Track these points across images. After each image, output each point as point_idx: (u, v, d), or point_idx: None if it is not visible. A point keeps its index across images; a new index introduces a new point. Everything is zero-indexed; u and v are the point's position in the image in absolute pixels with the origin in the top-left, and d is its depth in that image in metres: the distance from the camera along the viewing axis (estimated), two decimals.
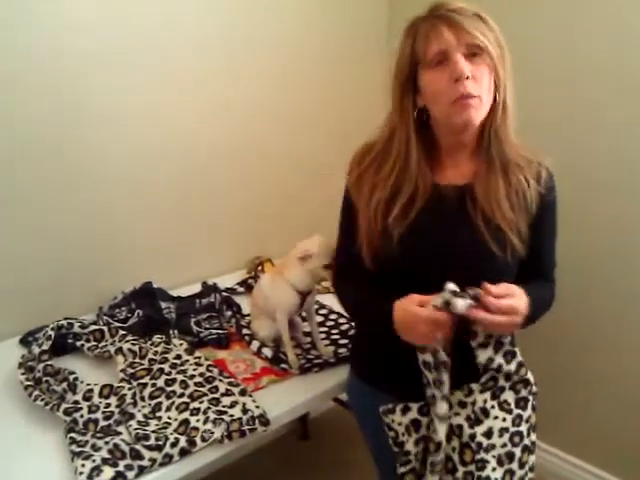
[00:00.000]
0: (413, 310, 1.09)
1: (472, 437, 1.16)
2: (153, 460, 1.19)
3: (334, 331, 1.77)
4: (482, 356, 1.15)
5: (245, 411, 1.34)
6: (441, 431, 1.14)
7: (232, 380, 1.46)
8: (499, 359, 1.14)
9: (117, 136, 1.79)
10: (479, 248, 1.17)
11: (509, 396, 1.19)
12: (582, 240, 1.96)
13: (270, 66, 2.10)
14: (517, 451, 1.18)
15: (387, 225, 1.19)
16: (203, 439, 1.25)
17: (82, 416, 1.29)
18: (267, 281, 1.63)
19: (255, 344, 1.63)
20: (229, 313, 1.82)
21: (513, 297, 1.08)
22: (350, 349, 1.52)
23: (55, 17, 1.60)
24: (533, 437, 1.22)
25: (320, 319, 1.82)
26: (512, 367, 1.15)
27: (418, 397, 1.20)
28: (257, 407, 1.36)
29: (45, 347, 1.49)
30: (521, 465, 1.18)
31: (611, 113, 1.85)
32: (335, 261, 1.41)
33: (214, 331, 1.69)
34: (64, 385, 1.39)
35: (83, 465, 1.14)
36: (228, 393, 1.40)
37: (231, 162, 2.10)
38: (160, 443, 1.21)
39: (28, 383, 1.39)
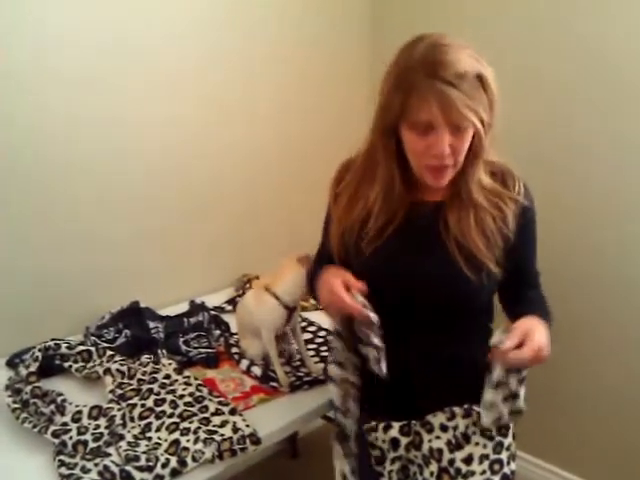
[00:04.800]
0: (332, 281, 1.14)
1: (451, 462, 1.16)
2: None
3: (323, 348, 1.77)
4: (488, 397, 1.11)
5: (236, 430, 1.34)
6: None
7: (222, 399, 1.45)
8: (501, 407, 1.12)
9: (98, 155, 1.79)
10: (452, 272, 1.16)
11: None
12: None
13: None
14: (496, 479, 1.18)
15: (359, 244, 1.22)
16: (194, 459, 1.24)
17: (71, 438, 1.28)
18: (251, 297, 1.63)
19: (244, 362, 1.63)
20: (217, 332, 1.82)
21: (531, 336, 1.06)
22: None
23: None
24: (513, 466, 1.22)
25: (309, 336, 1.83)
26: (506, 409, 1.13)
27: (400, 417, 1.22)
28: (247, 426, 1.36)
29: (32, 369, 1.47)
30: None
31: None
32: (312, 266, 1.43)
33: (203, 350, 1.68)
34: (52, 407, 1.37)
35: None
36: (218, 412, 1.40)
37: (217, 180, 2.10)
38: (151, 464, 1.21)
39: (15, 406, 1.37)
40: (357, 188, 1.24)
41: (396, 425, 1.23)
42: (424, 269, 1.19)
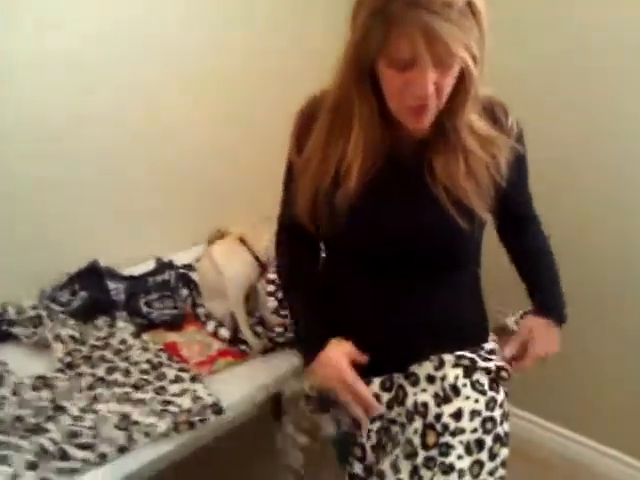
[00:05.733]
0: (343, 366, 1.04)
1: (438, 417, 1.02)
2: (86, 460, 1.04)
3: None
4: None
5: (196, 400, 1.19)
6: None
7: (183, 365, 1.31)
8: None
9: (54, 102, 1.60)
10: (442, 221, 1.02)
11: (481, 376, 1.06)
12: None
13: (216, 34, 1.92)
14: (488, 439, 1.04)
15: (335, 199, 1.04)
16: (145, 434, 1.10)
17: (8, 413, 1.13)
18: (220, 251, 1.46)
19: (211, 324, 1.48)
20: (185, 292, 1.66)
21: (534, 340, 1.12)
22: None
23: None
24: (506, 427, 1.08)
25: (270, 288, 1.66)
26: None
27: (381, 370, 1.08)
28: (209, 395, 1.21)
29: None
30: (492, 456, 1.04)
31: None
32: (278, 221, 1.25)
33: (167, 311, 1.53)
34: None
35: None
36: (177, 380, 1.26)
37: (186, 130, 1.92)
38: (95, 441, 1.06)
39: None
40: (328, 136, 1.05)
41: (376, 381, 1.09)
42: (410, 218, 1.04)
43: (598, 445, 1.99)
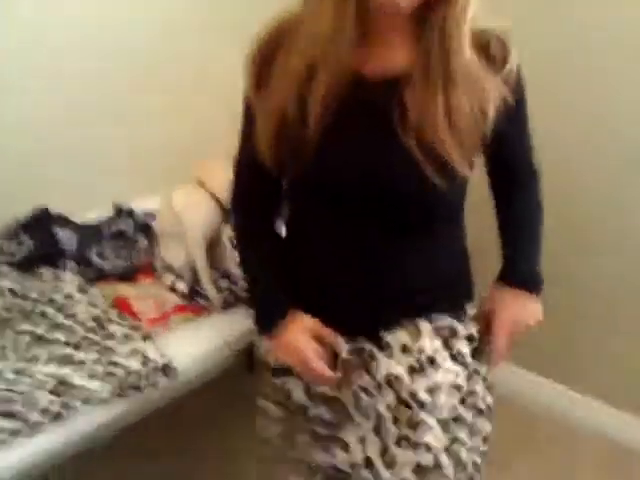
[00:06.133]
0: (301, 345, 0.91)
1: (412, 393, 0.90)
2: (15, 432, 0.93)
3: None
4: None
5: (145, 362, 1.08)
6: None
7: (134, 323, 1.19)
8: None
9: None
10: (414, 174, 0.83)
11: (463, 346, 0.94)
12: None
13: None
14: (469, 416, 0.93)
15: (297, 127, 0.86)
16: (85, 400, 0.99)
17: None
18: (180, 196, 1.33)
19: (168, 277, 1.35)
20: (145, 242, 1.52)
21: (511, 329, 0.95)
22: None
23: None
24: (489, 399, 0.97)
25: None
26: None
27: (349, 330, 0.94)
28: (162, 356, 1.10)
29: None
30: (472, 433, 0.93)
31: None
32: (234, 173, 1.08)
33: (120, 262, 1.40)
34: None
35: None
36: (127, 339, 1.14)
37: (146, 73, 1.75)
38: (22, 409, 0.95)
39: None
40: (288, 50, 0.86)
41: (346, 347, 0.97)
42: (375, 162, 0.86)
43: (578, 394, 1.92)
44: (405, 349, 0.92)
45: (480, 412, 0.95)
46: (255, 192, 1.01)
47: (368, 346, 0.95)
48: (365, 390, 0.94)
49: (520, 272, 0.99)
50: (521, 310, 0.96)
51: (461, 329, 0.92)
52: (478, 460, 0.96)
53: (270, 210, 1.04)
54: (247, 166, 0.99)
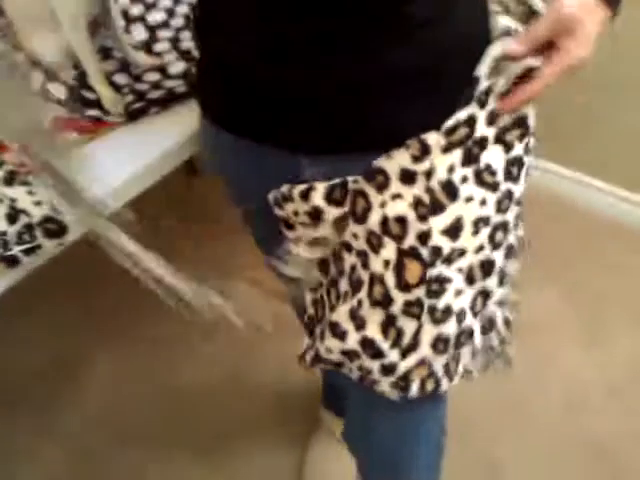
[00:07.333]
0: None
1: (423, 238, 0.60)
2: None
3: (187, 44, 1.04)
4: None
5: (14, 215, 0.73)
6: None
7: None
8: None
9: None
10: None
11: (495, 155, 0.61)
12: None
13: None
14: (499, 257, 0.65)
15: None
16: None
17: None
18: None
19: (37, 76, 0.92)
20: None
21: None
22: (197, 71, 0.83)
23: None
24: (520, 231, 0.70)
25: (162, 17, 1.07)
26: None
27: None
28: (38, 204, 0.75)
29: None
30: (501, 280, 0.67)
31: None
32: None
33: None
34: None
35: None
36: None
37: None
38: None
39: None
40: None
41: (320, 187, 0.63)
42: None
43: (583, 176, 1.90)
44: (407, 176, 0.60)
45: (510, 250, 0.68)
46: None
47: (353, 180, 0.63)
48: (347, 246, 0.65)
49: None
50: (588, 38, 0.59)
51: (479, 111, 0.60)
52: (510, 317, 0.72)
53: None
54: None
